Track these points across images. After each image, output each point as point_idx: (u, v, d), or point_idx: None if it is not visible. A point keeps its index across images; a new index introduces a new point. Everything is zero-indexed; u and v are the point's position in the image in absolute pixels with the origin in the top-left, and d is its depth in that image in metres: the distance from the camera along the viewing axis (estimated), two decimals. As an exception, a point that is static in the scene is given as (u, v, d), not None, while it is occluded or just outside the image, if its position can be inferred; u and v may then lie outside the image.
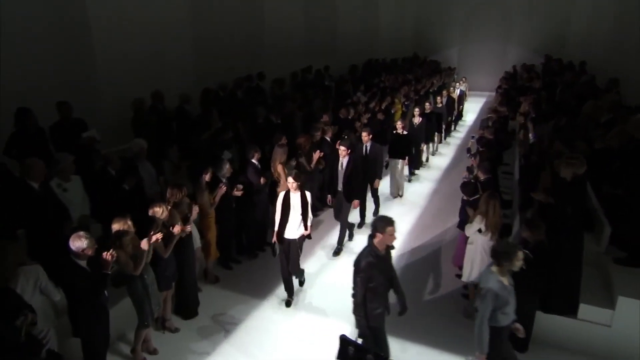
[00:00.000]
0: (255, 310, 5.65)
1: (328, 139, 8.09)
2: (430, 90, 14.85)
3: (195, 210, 5.32)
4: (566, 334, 4.92)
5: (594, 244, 5.58)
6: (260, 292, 6.00)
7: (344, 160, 6.86)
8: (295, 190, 5.50)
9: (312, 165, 7.47)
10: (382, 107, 11.02)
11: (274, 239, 5.61)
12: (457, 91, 14.51)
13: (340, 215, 6.96)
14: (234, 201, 6.32)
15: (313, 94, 10.45)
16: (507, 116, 10.67)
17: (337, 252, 6.97)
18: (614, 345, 4.75)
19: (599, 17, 15.93)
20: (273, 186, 6.87)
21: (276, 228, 5.55)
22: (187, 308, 5.44)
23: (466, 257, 5.36)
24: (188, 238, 5.20)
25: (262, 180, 6.49)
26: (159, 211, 4.72)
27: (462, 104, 15.60)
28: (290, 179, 5.49)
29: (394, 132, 8.94)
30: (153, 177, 6.15)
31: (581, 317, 4.87)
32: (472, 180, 6.04)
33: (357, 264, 4.04)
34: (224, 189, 5.84)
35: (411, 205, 8.92)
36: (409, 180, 10.18)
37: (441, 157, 12.24)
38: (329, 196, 7.23)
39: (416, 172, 10.55)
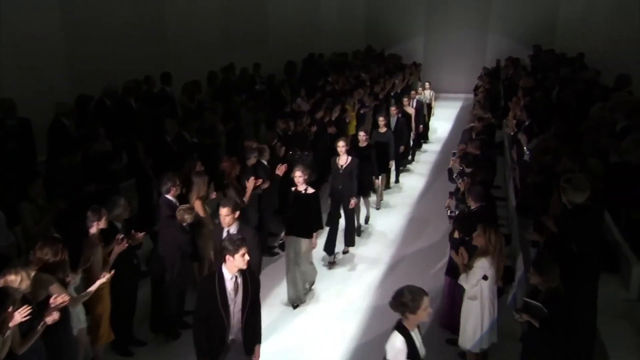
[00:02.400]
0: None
1: (265, 163, 8.02)
2: (392, 94, 15.27)
3: (77, 274, 4.88)
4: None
5: (622, 288, 5.81)
6: None
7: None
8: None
9: (247, 199, 7.29)
10: (332, 118, 11.13)
11: None
12: (414, 103, 13.44)
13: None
14: (135, 257, 5.99)
15: (240, 101, 10.31)
16: (493, 124, 11.12)
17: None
18: None
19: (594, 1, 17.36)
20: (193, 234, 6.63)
21: None
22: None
23: (466, 315, 5.36)
24: (65, 316, 4.73)
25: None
26: (16, 280, 4.25)
27: (424, 121, 14.60)
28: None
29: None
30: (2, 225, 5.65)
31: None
32: (466, 212, 6.13)
33: None
34: (124, 244, 5.52)
35: (377, 242, 9.07)
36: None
37: (411, 176, 12.71)
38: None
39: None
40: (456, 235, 5.93)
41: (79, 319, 5.16)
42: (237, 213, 5.77)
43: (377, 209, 10.52)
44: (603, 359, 5.14)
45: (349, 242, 8.78)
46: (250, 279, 4.67)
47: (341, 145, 8.30)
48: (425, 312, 3.85)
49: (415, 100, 13.67)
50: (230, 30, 14.01)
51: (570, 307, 4.76)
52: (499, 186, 10.59)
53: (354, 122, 12.46)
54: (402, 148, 11.70)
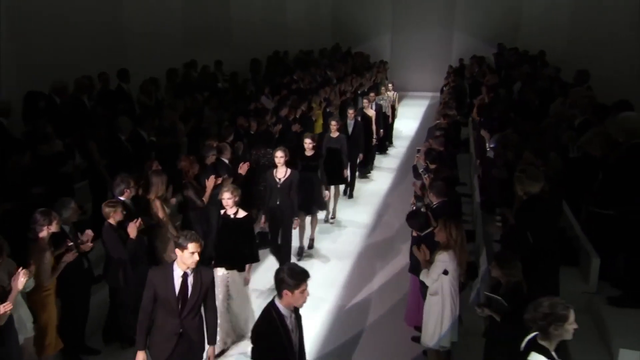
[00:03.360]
0: None
1: (226, 161, 7.84)
2: (359, 92, 15.22)
3: (23, 277, 4.50)
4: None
5: (581, 281, 5.85)
6: None
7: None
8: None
9: (206, 198, 7.11)
10: (297, 116, 11.01)
11: None
12: (373, 105, 12.49)
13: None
14: (87, 261, 5.75)
15: (202, 100, 10.11)
16: (459, 121, 11.17)
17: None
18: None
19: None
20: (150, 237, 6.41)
21: None
22: None
23: (428, 312, 5.30)
24: (8, 324, 4.50)
25: (132, 227, 5.86)
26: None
27: (385, 124, 13.56)
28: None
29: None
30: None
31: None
32: (423, 210, 6.09)
33: None
34: (73, 255, 5.27)
35: (342, 251, 8.84)
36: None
37: (378, 174, 12.61)
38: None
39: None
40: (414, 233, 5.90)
41: (26, 328, 4.90)
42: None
43: (331, 223, 9.70)
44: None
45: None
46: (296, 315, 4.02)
47: (279, 156, 7.33)
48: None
49: (374, 104, 12.74)
50: (192, 25, 13.67)
51: (531, 300, 4.74)
52: (465, 183, 10.63)
53: (321, 121, 12.32)
54: (360, 156, 10.79)
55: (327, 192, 8.85)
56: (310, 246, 8.71)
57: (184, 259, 4.39)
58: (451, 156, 9.02)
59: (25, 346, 4.93)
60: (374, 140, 12.26)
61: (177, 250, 4.40)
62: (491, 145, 8.65)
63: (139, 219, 5.85)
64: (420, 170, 8.09)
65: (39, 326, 5.21)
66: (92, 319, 6.17)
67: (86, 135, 7.35)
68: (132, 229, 5.78)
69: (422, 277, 5.32)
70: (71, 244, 5.35)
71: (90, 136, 7.34)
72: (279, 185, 7.42)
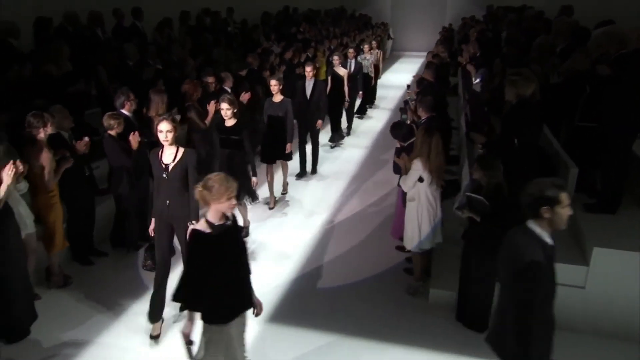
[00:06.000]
0: (117, 325, 4.53)
1: (228, 89, 7.14)
2: (362, 47, 14.30)
3: (10, 169, 3.86)
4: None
5: (559, 191, 5.18)
6: (132, 298, 4.87)
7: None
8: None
9: (209, 121, 6.48)
10: (302, 60, 10.23)
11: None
12: (352, 63, 9.88)
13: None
14: (89, 168, 5.21)
15: (211, 39, 9.33)
16: (448, 64, 10.35)
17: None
18: (588, 312, 4.33)
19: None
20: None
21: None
22: (10, 327, 4.18)
23: (407, 217, 4.68)
24: (6, 216, 3.99)
25: (134, 138, 5.22)
26: None
27: (367, 85, 11.10)
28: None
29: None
30: None
31: (550, 281, 4.41)
32: (408, 122, 5.43)
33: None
34: (70, 162, 4.74)
35: (337, 174, 8.20)
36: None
37: (368, 121, 11.58)
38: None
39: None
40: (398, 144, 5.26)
41: (26, 224, 4.38)
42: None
43: (270, 208, 6.75)
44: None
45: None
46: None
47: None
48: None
49: (352, 61, 9.94)
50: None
51: (511, 201, 4.13)
52: (452, 119, 9.88)
53: (324, 67, 11.49)
54: (319, 123, 7.64)
55: (254, 178, 5.59)
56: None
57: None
58: (441, 91, 8.26)
59: (28, 241, 4.43)
60: (346, 104, 9.43)
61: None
62: (477, 80, 7.92)
63: (137, 132, 5.24)
64: (407, 105, 7.33)
65: (46, 226, 4.76)
66: (103, 229, 5.71)
67: (96, 59, 6.67)
68: (134, 140, 5.17)
69: (401, 183, 4.71)
70: (67, 154, 4.78)
71: (99, 61, 6.66)
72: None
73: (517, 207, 4.16)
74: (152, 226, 4.30)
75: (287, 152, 6.79)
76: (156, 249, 4.26)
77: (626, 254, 4.15)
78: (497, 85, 6.31)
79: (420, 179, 4.50)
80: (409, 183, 4.55)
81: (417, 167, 4.46)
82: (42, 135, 4.54)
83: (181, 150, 4.14)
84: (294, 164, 7.57)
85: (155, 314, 4.29)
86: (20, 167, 4.08)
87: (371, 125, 11.08)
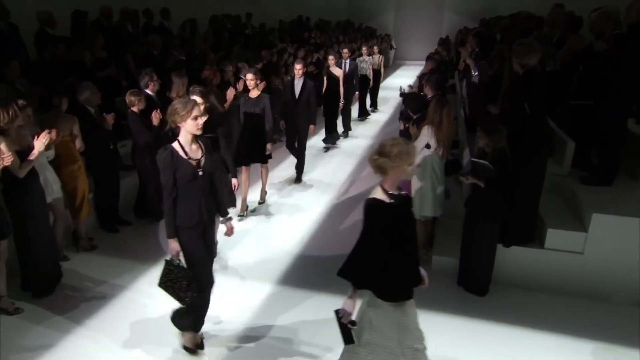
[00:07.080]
0: (138, 284, 4.44)
1: (244, 78, 7.08)
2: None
3: (44, 137, 3.77)
4: (530, 269, 4.32)
5: (555, 165, 5.03)
6: (153, 263, 4.71)
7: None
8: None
9: (227, 105, 6.43)
10: (314, 59, 10.20)
11: None
12: (346, 63, 9.05)
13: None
14: (111, 143, 5.14)
15: (231, 39, 9.30)
16: (447, 62, 10.23)
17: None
18: (586, 277, 4.20)
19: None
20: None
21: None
22: (36, 282, 4.13)
23: (413, 185, 4.56)
24: (32, 180, 3.90)
25: (156, 115, 5.17)
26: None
27: (362, 87, 10.28)
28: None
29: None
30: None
31: (549, 246, 4.28)
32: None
33: None
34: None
35: (346, 155, 8.08)
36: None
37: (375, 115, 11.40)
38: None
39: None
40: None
41: (52, 189, 4.31)
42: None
43: (244, 216, 5.74)
44: (539, 223, 4.46)
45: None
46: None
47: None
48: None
49: (347, 62, 9.09)
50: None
51: (515, 167, 4.02)
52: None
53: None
54: (311, 128, 6.78)
55: (234, 179, 4.84)
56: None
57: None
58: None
59: (55, 205, 4.39)
60: (341, 104, 8.56)
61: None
62: (476, 73, 7.79)
63: (158, 110, 5.19)
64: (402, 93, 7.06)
65: (71, 194, 4.69)
66: (127, 202, 5.66)
67: (125, 49, 6.66)
68: (156, 117, 5.11)
69: None
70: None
71: (128, 50, 6.65)
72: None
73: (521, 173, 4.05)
74: (173, 245, 3.17)
75: (267, 152, 5.73)
76: (199, 271, 3.23)
77: (624, 220, 4.00)
78: (495, 70, 6.18)
79: (427, 145, 4.39)
80: (417, 148, 4.45)
81: (426, 134, 4.36)
82: (64, 106, 4.55)
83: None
84: (286, 171, 7.19)
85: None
86: (54, 135, 4.05)
87: (372, 125, 10.87)
